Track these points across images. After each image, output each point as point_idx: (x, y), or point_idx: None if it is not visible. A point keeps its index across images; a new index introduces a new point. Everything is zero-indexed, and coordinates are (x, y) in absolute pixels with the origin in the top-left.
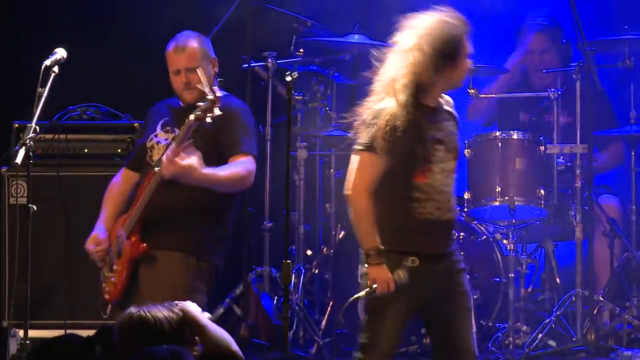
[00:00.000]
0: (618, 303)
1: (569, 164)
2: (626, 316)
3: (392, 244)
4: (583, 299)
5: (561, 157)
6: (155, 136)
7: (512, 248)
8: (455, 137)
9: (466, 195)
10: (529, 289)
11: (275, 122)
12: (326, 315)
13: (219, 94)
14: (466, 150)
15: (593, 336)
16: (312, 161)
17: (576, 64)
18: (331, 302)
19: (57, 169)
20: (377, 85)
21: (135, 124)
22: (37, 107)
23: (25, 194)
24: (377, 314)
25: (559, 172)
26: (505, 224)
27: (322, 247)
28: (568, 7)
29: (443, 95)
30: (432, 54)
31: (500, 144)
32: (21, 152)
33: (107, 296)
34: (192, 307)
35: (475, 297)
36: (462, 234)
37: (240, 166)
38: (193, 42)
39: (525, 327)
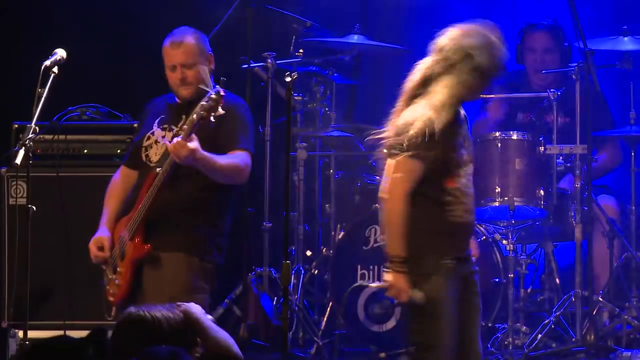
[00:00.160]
0: (617, 304)
1: (568, 164)
2: (626, 317)
3: (429, 248)
4: (582, 299)
5: (560, 158)
6: (152, 134)
7: (512, 248)
8: (470, 140)
9: None
10: (529, 290)
11: (275, 122)
12: (326, 316)
13: (222, 92)
14: None
15: (592, 337)
16: (311, 162)
17: (575, 64)
18: (330, 303)
19: (57, 170)
20: (409, 87)
21: (135, 125)
22: (36, 108)
23: (24, 195)
24: (438, 317)
25: (558, 173)
26: (505, 224)
27: (322, 247)
28: (567, 9)
29: None
30: (477, 67)
31: (499, 145)
32: (21, 153)
33: (111, 298)
34: (195, 309)
35: None
36: None
37: (237, 158)
38: (190, 38)
39: (524, 327)
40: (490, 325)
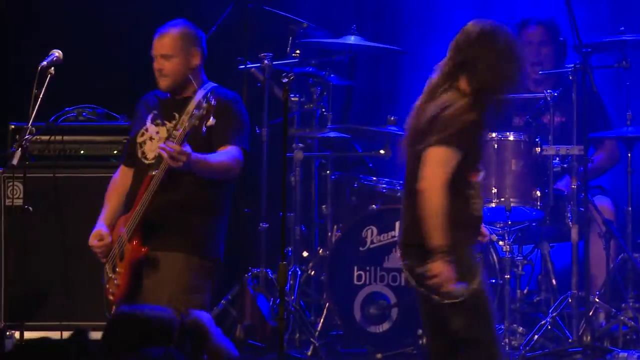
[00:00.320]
0: (614, 304)
1: (565, 165)
2: (622, 317)
3: (462, 240)
4: (579, 300)
5: (557, 159)
6: (147, 130)
7: (508, 249)
8: None
9: None
10: (525, 291)
11: (272, 123)
12: (322, 317)
13: (213, 102)
14: None
15: (589, 337)
16: (308, 162)
17: (572, 65)
18: (327, 304)
19: (54, 171)
20: (432, 83)
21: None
22: (33, 109)
23: (21, 195)
24: (482, 310)
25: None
26: (501, 225)
27: (318, 248)
28: (564, 11)
29: None
30: (507, 63)
31: (496, 146)
32: (17, 154)
33: (111, 297)
34: (204, 318)
35: None
36: None
37: (228, 155)
38: (174, 31)
39: (521, 328)
40: None
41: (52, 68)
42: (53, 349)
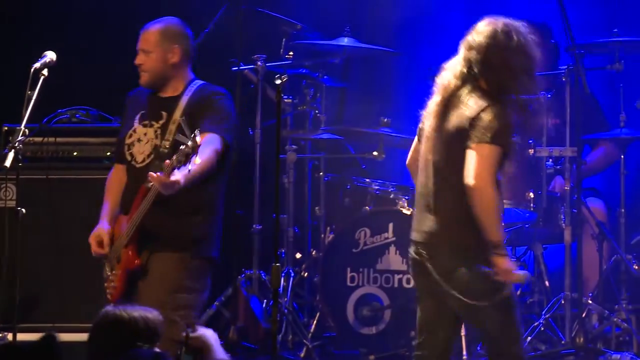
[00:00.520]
0: (607, 306)
1: (558, 167)
2: (615, 319)
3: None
4: (572, 302)
5: (550, 160)
6: (134, 131)
7: None
8: None
9: None
10: (518, 292)
11: (265, 125)
12: (315, 319)
13: (199, 141)
14: None
15: (582, 339)
16: (301, 164)
17: (565, 67)
18: (320, 306)
19: (47, 172)
20: (448, 85)
21: None
22: (26, 110)
23: (14, 197)
24: (513, 306)
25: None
26: None
27: (312, 250)
28: (557, 13)
29: None
30: (522, 61)
31: None
32: (10, 155)
33: (109, 296)
34: (210, 335)
35: None
36: None
37: (207, 152)
38: (156, 26)
39: None
40: None
41: (45, 69)
42: (21, 353)
